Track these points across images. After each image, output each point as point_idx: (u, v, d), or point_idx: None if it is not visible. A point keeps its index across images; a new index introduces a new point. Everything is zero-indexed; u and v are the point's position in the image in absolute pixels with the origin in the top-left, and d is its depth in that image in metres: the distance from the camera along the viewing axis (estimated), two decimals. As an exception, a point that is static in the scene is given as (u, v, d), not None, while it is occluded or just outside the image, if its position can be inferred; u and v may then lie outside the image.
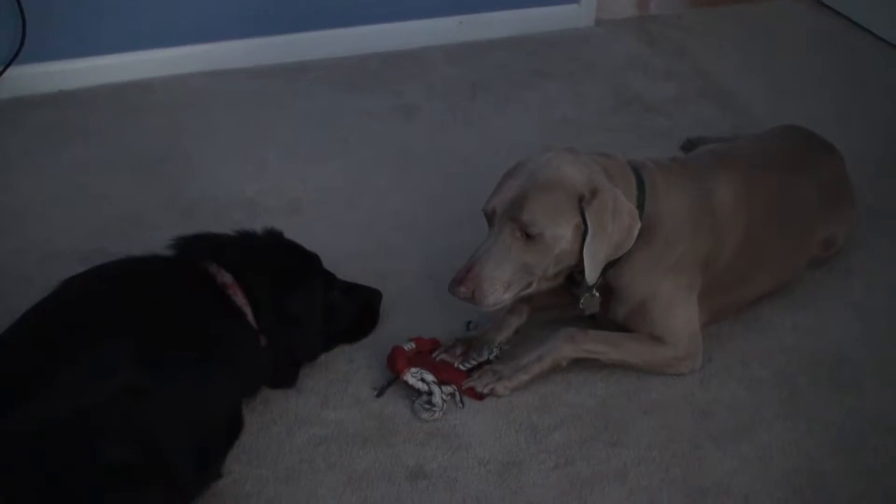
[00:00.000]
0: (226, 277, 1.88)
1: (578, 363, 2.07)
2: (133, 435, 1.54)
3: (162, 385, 1.63)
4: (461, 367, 2.06)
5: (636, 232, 1.96)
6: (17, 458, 1.42)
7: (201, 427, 1.72)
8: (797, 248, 2.32)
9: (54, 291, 1.77)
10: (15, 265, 2.39)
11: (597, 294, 2.08)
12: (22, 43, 3.07)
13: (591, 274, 1.94)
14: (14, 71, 3.11)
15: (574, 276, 2.04)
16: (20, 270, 2.35)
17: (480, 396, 2.02)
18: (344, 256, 2.26)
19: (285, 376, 2.03)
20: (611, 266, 2.02)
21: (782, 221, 2.23)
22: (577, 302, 2.11)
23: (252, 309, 1.89)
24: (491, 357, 2.08)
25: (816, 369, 2.15)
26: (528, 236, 1.90)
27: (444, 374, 2.03)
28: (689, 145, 2.85)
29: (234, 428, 1.86)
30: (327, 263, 2.11)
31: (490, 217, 1.97)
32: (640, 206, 2.01)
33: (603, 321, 2.15)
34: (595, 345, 2.06)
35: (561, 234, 1.91)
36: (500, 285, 1.91)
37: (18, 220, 2.57)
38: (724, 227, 2.12)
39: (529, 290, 1.98)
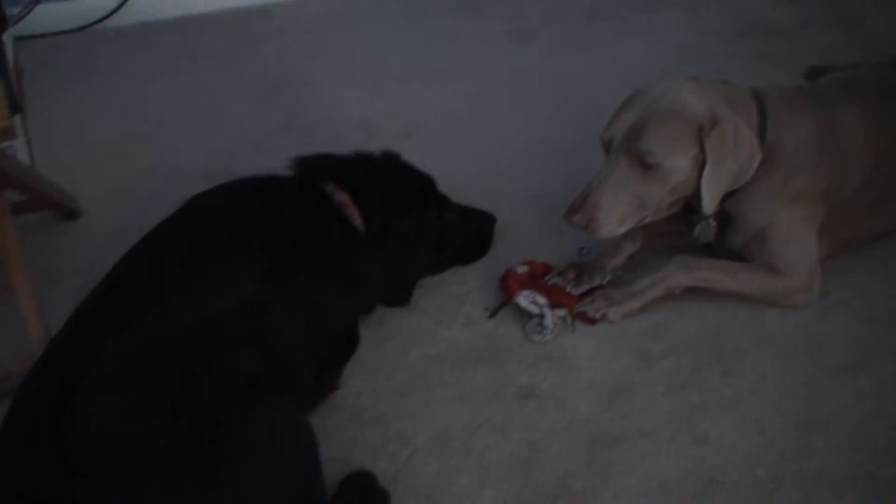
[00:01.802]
0: (342, 197, 1.92)
1: (692, 291, 2.05)
2: (256, 345, 1.59)
3: (283, 298, 1.67)
4: (573, 291, 2.07)
5: (756, 163, 1.93)
6: (144, 367, 1.48)
7: (320, 340, 1.77)
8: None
9: (181, 207, 1.83)
10: (144, 185, 2.48)
11: (713, 223, 2.05)
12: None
13: (709, 205, 1.92)
14: (139, -4, 3.19)
15: (691, 203, 2.01)
16: (149, 190, 2.45)
17: (592, 321, 2.03)
18: (459, 179, 2.28)
19: (399, 295, 2.07)
20: (729, 195, 1.99)
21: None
22: (692, 230, 2.08)
23: (367, 228, 1.93)
24: (603, 282, 2.09)
25: (939, 307, 2.09)
26: (646, 166, 1.89)
27: (556, 298, 2.04)
28: (814, 73, 2.75)
29: (350, 343, 1.92)
30: (442, 186, 2.13)
31: (607, 145, 1.95)
32: (762, 135, 1.96)
33: (718, 250, 2.12)
34: (709, 273, 2.04)
35: (679, 164, 1.89)
36: (614, 217, 1.91)
37: (146, 141, 2.67)
38: (849, 159, 2.05)
39: (644, 222, 1.97)
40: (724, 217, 2.05)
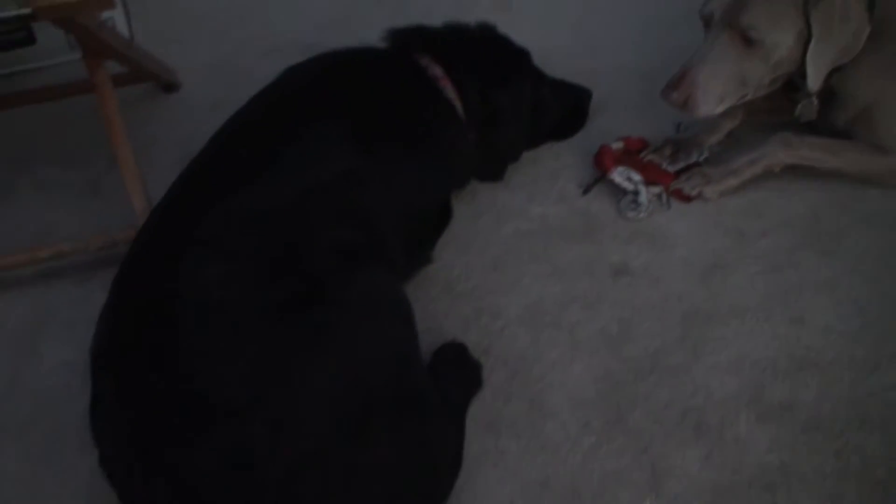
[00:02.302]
0: (437, 70, 1.90)
1: (792, 170, 2.00)
2: (353, 217, 1.61)
3: (378, 171, 1.69)
4: (669, 168, 2.04)
5: (864, 37, 1.84)
6: (245, 236, 1.51)
7: (414, 213, 1.79)
8: None
9: (277, 79, 1.84)
10: (240, 57, 2.50)
11: (815, 101, 1.98)
12: None
13: (814, 81, 1.85)
14: None
15: (793, 80, 1.94)
16: (244, 63, 2.46)
17: (688, 199, 2.00)
18: (554, 54, 2.24)
19: (493, 170, 2.07)
20: (835, 71, 1.91)
21: None
22: (794, 108, 2.02)
23: (461, 102, 1.91)
24: (700, 159, 2.05)
25: None
26: (747, 42, 1.82)
27: (652, 175, 2.01)
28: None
29: (444, 217, 1.93)
30: (538, 60, 2.09)
31: (707, 20, 1.89)
32: (870, 8, 1.87)
33: (821, 128, 2.05)
34: (811, 151, 1.98)
35: (782, 39, 1.81)
36: (713, 96, 1.86)
37: (242, 16, 2.67)
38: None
39: (744, 100, 1.92)
40: (828, 94, 1.97)
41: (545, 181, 2.08)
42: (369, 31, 1.98)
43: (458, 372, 1.70)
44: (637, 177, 1.99)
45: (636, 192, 1.98)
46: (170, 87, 2.47)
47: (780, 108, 2.08)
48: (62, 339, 1.90)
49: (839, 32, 1.81)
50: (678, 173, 2.03)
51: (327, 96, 1.76)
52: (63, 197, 2.23)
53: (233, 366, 1.36)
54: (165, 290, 1.44)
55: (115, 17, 2.37)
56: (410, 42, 1.95)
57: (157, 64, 2.35)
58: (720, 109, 1.89)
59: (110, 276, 1.56)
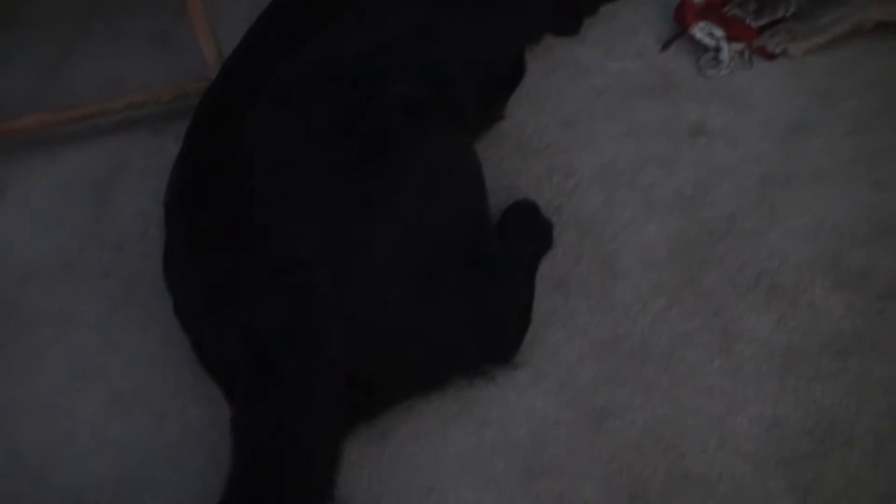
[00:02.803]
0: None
1: (883, 27, 1.90)
2: (420, 70, 1.57)
3: (451, 22, 1.64)
4: (753, 24, 1.96)
5: None
6: (315, 90, 1.49)
7: (486, 68, 1.74)
8: None
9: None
10: None
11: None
12: None
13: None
14: None
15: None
16: None
17: (771, 56, 1.93)
18: None
19: (569, 23, 2.01)
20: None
21: None
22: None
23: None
24: (787, 15, 1.96)
25: None
26: None
27: (734, 31, 1.93)
28: None
29: (517, 72, 1.88)
30: None
31: None
32: None
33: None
34: (906, 6, 1.88)
35: None
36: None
37: None
38: None
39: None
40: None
41: (623, 36, 2.01)
42: None
43: (529, 230, 1.69)
44: (719, 32, 1.91)
45: (717, 49, 1.91)
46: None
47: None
48: (138, 189, 1.93)
49: None
50: (762, 29, 1.95)
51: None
52: (134, 45, 2.23)
53: (301, 219, 1.37)
54: (235, 143, 1.45)
55: None
56: None
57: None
58: None
59: (183, 126, 1.57)
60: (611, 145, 1.82)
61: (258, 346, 1.34)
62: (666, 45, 1.97)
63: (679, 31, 1.97)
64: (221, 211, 1.42)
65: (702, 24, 1.93)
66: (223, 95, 1.58)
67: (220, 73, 1.63)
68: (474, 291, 1.46)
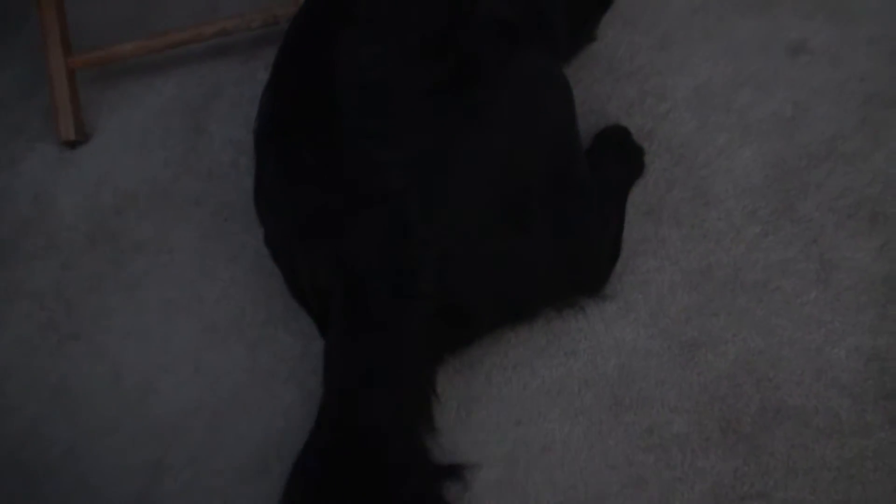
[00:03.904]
0: None
1: None
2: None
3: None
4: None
5: None
6: (404, 13, 1.45)
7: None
8: None
9: None
10: None
11: None
12: None
13: None
14: None
15: None
16: None
17: (880, -33, 1.82)
18: None
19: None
20: None
21: None
22: None
23: None
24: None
25: None
26: None
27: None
28: None
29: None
30: None
31: None
32: None
33: None
34: None
35: None
36: None
37: None
38: None
39: None
40: None
41: (721, -52, 1.92)
42: None
43: (620, 156, 1.66)
44: (824, -58, 1.82)
45: (822, -40, 1.81)
46: None
47: None
48: (229, 118, 1.94)
49: None
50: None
51: None
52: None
53: (392, 148, 1.36)
54: (324, 69, 1.44)
55: None
56: None
57: None
58: None
59: (272, 54, 1.56)
60: (705, 66, 1.75)
61: (350, 277, 1.34)
62: (766, -42, 1.88)
63: (781, -59, 1.87)
64: (311, 140, 1.41)
65: (805, -67, 1.83)
66: (309, 22, 1.56)
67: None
68: (564, 220, 1.44)
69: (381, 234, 1.33)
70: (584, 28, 1.79)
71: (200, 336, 1.67)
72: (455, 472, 1.37)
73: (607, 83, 1.77)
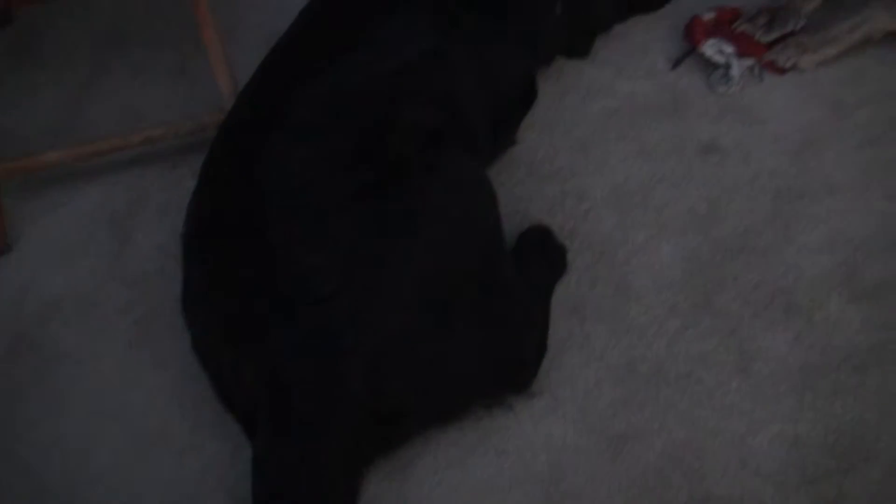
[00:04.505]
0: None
1: (895, 36, 1.89)
2: (434, 97, 1.59)
3: (462, 50, 1.65)
4: (763, 39, 1.95)
5: None
6: (330, 119, 1.50)
7: (498, 93, 1.74)
8: None
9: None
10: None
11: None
12: None
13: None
14: None
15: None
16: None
17: (782, 70, 1.92)
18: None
19: (580, 45, 2.00)
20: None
21: None
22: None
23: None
24: (797, 28, 1.95)
25: None
26: None
27: (745, 47, 1.93)
28: None
29: (528, 96, 1.88)
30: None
31: None
32: None
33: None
34: (918, 16, 1.87)
35: None
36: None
37: None
38: None
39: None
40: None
41: (634, 55, 2.01)
42: None
43: (544, 255, 1.69)
44: (729, 49, 1.91)
45: (728, 66, 1.91)
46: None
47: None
48: (156, 224, 1.94)
49: None
50: (772, 44, 1.94)
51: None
52: (152, 78, 2.24)
53: (318, 251, 1.38)
54: (251, 174, 1.46)
55: None
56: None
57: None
58: None
59: (200, 160, 1.59)
60: (622, 167, 1.82)
61: (277, 382, 1.34)
62: (676, 64, 1.97)
63: (689, 48, 1.97)
64: (239, 244, 1.42)
65: (712, 41, 1.93)
66: (238, 127, 1.59)
67: (235, 105, 1.65)
68: (491, 320, 1.46)
69: (308, 338, 1.34)
70: (505, 131, 1.84)
71: (127, 447, 1.63)
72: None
73: (529, 184, 1.82)
